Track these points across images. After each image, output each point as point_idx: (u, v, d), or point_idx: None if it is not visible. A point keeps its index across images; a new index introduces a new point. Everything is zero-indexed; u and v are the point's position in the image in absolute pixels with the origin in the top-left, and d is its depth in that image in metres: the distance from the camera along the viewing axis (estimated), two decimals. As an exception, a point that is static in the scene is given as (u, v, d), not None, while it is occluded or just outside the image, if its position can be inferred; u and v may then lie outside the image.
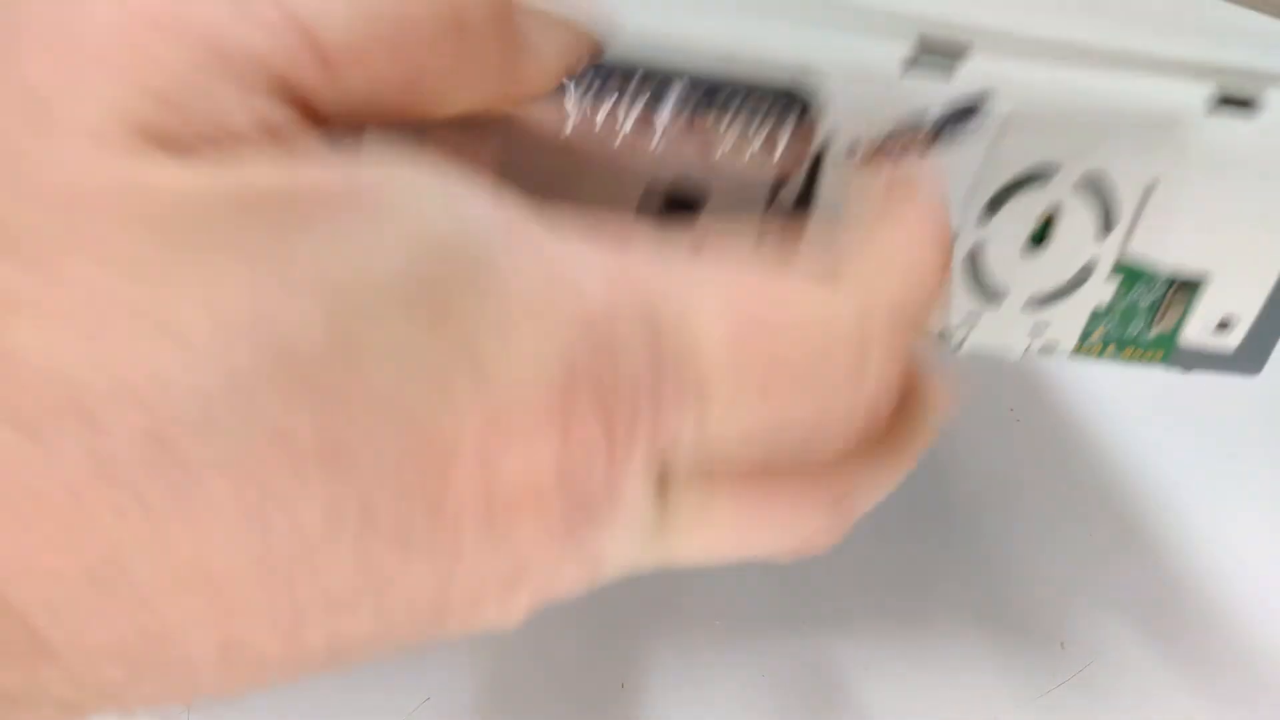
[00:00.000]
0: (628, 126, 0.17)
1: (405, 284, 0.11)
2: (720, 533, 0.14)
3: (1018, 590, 0.30)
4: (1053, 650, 0.29)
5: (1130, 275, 0.21)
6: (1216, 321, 0.22)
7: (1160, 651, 0.30)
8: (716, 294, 0.12)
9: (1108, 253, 0.20)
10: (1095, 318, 0.22)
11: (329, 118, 0.11)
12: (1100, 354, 0.23)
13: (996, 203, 0.19)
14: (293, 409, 0.10)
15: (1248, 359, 0.24)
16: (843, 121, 0.17)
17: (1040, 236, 0.20)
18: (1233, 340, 0.22)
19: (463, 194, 0.12)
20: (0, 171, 0.10)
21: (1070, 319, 0.21)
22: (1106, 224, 0.20)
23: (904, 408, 0.15)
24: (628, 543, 0.13)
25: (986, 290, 0.20)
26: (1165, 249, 0.20)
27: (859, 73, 0.17)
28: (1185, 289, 0.22)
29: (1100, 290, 0.21)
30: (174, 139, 0.10)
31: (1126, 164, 0.19)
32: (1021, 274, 0.20)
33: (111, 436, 0.09)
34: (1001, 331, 0.21)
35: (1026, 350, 0.21)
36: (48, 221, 0.09)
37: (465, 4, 0.12)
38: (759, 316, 0.13)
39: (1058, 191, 0.19)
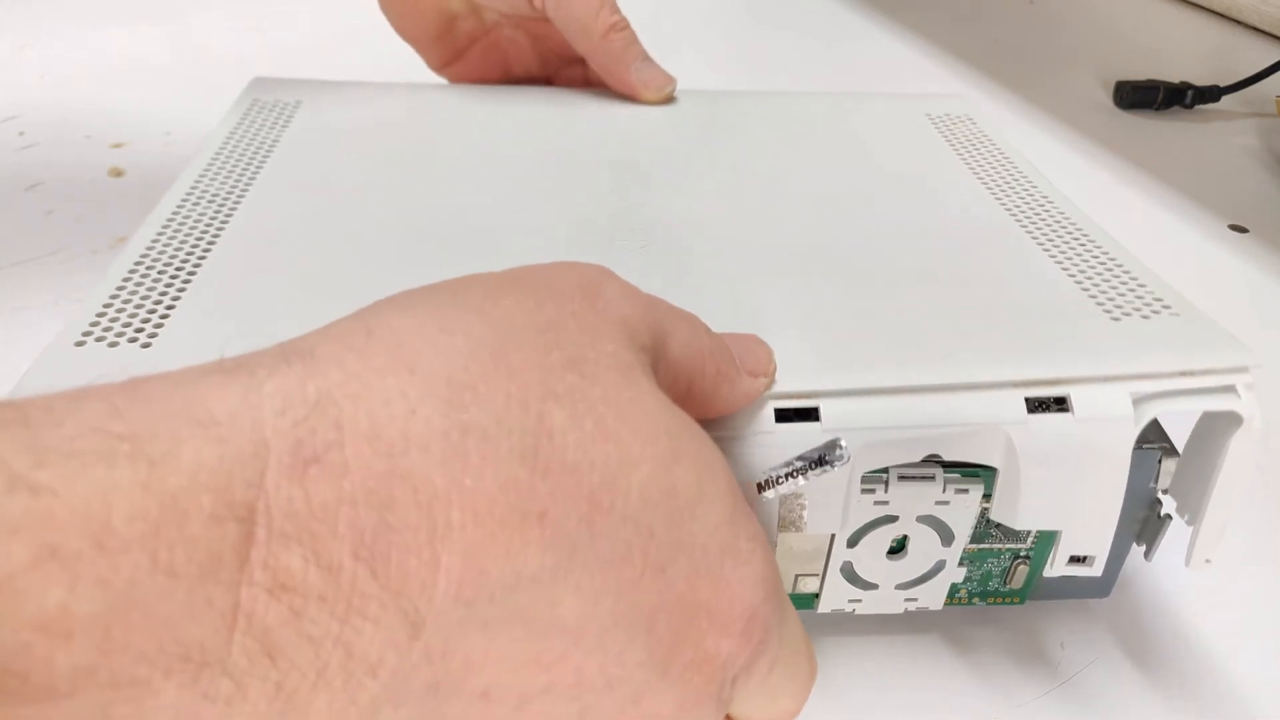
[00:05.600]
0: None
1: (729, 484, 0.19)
2: None
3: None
4: (1053, 650, 0.30)
5: (978, 558, 0.28)
6: (1076, 558, 0.27)
7: (1155, 653, 0.30)
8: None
9: (953, 555, 0.27)
10: (954, 587, 0.29)
11: None
12: (967, 604, 0.30)
13: (855, 539, 0.26)
14: (660, 519, 0.17)
15: (1097, 585, 0.30)
16: (740, 470, 0.24)
17: (899, 548, 0.27)
18: (1095, 570, 0.27)
19: None
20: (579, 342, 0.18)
21: (934, 592, 0.28)
22: (946, 540, 0.27)
23: None
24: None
25: (863, 584, 0.27)
26: (1016, 518, 0.25)
27: (748, 431, 0.24)
28: (1026, 559, 0.28)
29: (953, 574, 0.28)
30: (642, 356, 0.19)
31: (977, 457, 0.25)
32: (887, 572, 0.27)
33: (610, 516, 0.17)
34: (882, 604, 0.28)
35: (904, 611, 0.28)
36: (595, 366, 0.18)
37: (731, 365, 0.22)
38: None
39: (903, 527, 0.26)
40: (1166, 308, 0.28)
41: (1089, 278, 0.29)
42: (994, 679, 0.29)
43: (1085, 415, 0.24)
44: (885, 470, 0.25)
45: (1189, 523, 0.27)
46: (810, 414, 0.24)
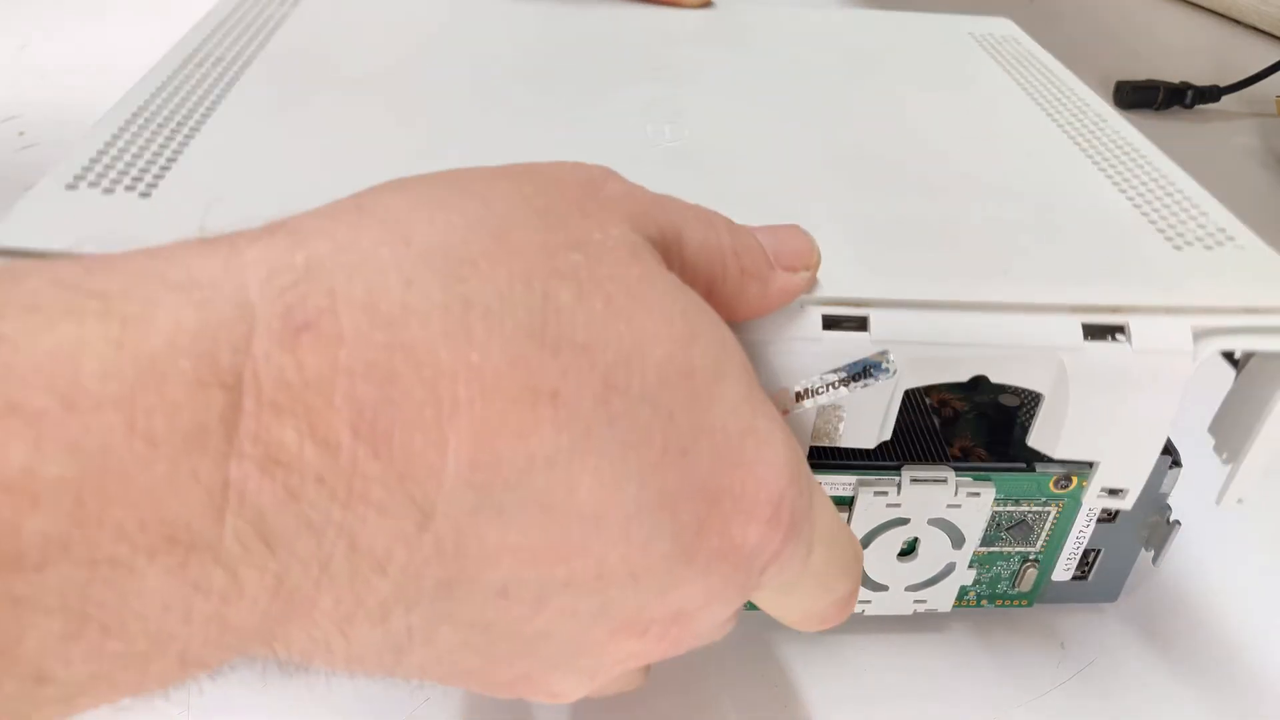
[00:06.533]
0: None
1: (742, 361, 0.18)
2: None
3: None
4: (1053, 650, 0.30)
5: (987, 561, 0.28)
6: (1109, 491, 0.26)
7: (1159, 652, 0.30)
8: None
9: (963, 557, 0.27)
10: (963, 590, 0.29)
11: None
12: (976, 605, 0.29)
13: (866, 541, 0.26)
14: (679, 401, 0.16)
15: (1105, 589, 0.30)
16: (779, 376, 0.23)
17: (909, 550, 0.27)
18: (1126, 503, 0.26)
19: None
20: (579, 226, 0.17)
21: (943, 594, 0.28)
22: (957, 543, 0.27)
23: None
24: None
25: (873, 585, 0.27)
26: (1056, 446, 0.24)
27: (792, 337, 0.22)
28: (1035, 562, 0.28)
29: (962, 576, 0.27)
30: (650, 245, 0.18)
31: (1024, 380, 0.23)
32: (897, 574, 0.27)
33: (626, 396, 0.15)
34: (891, 606, 0.28)
35: (913, 612, 0.28)
36: (600, 248, 0.16)
37: (760, 263, 0.21)
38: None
39: (914, 530, 0.26)
40: (1230, 239, 0.26)
41: (1148, 203, 0.28)
42: (999, 675, 0.29)
43: (1143, 346, 0.23)
44: (898, 471, 0.25)
45: (1226, 461, 0.26)
46: (859, 323, 0.22)
